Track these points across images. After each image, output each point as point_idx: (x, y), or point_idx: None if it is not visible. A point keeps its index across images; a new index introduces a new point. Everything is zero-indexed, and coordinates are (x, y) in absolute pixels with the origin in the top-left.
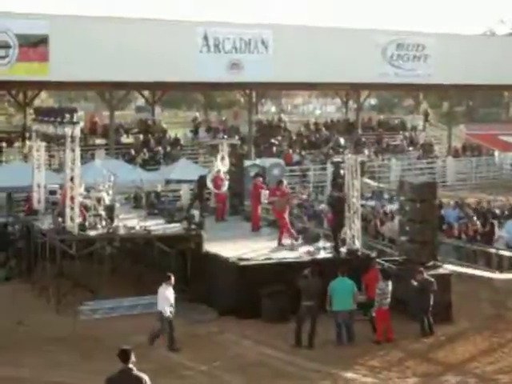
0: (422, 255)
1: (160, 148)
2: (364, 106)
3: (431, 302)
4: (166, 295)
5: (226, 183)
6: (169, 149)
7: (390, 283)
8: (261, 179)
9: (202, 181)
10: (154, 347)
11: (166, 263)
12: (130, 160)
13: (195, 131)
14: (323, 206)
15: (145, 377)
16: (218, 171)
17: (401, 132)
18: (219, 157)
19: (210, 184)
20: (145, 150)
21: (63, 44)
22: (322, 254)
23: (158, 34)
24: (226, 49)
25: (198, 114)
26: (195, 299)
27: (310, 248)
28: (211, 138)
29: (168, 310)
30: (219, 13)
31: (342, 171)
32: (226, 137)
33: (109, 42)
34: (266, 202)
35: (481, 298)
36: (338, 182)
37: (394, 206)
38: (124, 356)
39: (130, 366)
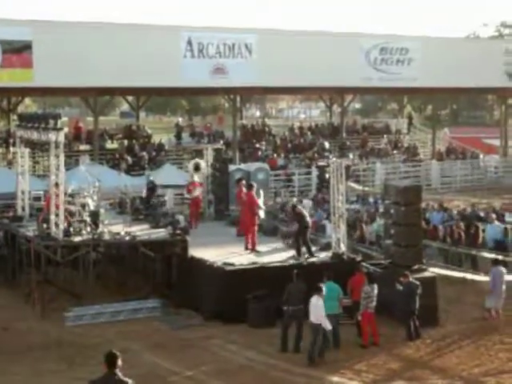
0: (408, 258)
1: (144, 153)
2: (348, 109)
3: (417, 306)
4: (320, 306)
5: (200, 189)
6: (153, 154)
7: (375, 287)
8: (244, 182)
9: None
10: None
11: (150, 269)
12: (115, 165)
13: (178, 136)
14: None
15: (129, 381)
16: (192, 177)
17: (385, 135)
18: (191, 165)
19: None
20: (129, 155)
21: (47, 50)
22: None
23: (141, 39)
24: (209, 53)
25: (180, 119)
26: (181, 304)
27: (295, 252)
28: (196, 143)
29: (327, 322)
30: (203, 18)
31: (326, 175)
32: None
33: (92, 47)
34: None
35: (466, 300)
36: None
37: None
38: (110, 360)
39: (115, 371)
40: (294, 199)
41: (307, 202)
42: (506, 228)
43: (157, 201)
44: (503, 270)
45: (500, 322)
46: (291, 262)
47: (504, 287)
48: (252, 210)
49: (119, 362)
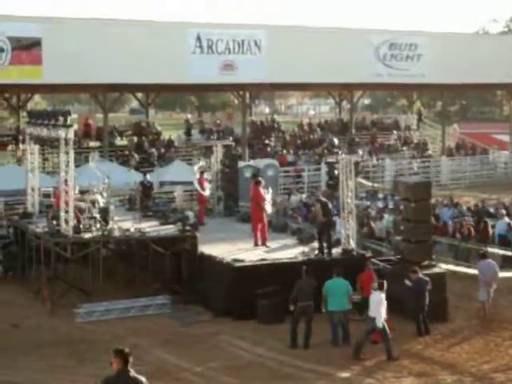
0: (417, 254)
1: (154, 150)
2: (357, 105)
3: (427, 302)
4: (382, 301)
5: (209, 186)
6: (163, 151)
7: (384, 283)
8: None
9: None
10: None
11: (160, 265)
12: (124, 162)
13: (188, 133)
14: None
15: (143, 379)
16: (202, 173)
17: (394, 132)
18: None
19: (196, 185)
20: (138, 152)
21: (56, 47)
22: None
23: (151, 36)
24: (219, 50)
25: (189, 116)
26: (190, 301)
27: (305, 248)
28: (205, 139)
29: (380, 320)
30: (212, 14)
31: (336, 171)
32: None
33: (102, 43)
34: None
35: (476, 296)
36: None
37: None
38: (122, 357)
39: (128, 368)
40: (304, 195)
41: (295, 198)
42: (509, 223)
43: (158, 199)
44: (492, 262)
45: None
46: (300, 258)
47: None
48: (259, 205)
49: (131, 359)
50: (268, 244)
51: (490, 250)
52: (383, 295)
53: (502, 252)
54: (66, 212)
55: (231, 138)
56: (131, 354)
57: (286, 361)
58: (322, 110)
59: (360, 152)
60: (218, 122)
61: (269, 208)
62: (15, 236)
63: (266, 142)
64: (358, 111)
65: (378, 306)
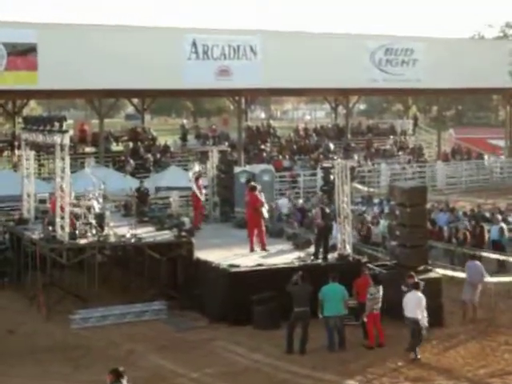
0: (413, 259)
1: (150, 155)
2: (353, 111)
3: None
4: (421, 301)
5: (203, 191)
6: (158, 156)
7: (380, 288)
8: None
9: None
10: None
11: (156, 271)
12: (120, 168)
13: (183, 138)
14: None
15: None
16: (197, 178)
17: (390, 137)
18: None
19: (196, 190)
20: (134, 157)
21: (52, 52)
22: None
23: (146, 42)
24: (214, 55)
25: (185, 121)
26: (186, 306)
27: (301, 253)
28: (201, 144)
29: (424, 319)
30: (207, 19)
31: (331, 176)
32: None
33: (97, 49)
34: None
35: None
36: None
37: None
38: (115, 373)
39: (121, 380)
40: (300, 201)
41: (283, 202)
42: (501, 228)
43: (154, 205)
44: (479, 264)
45: (475, 314)
46: (296, 263)
47: (480, 280)
48: (256, 210)
49: (125, 377)
50: (267, 248)
51: (485, 254)
52: (421, 294)
53: (496, 257)
54: (62, 218)
55: (227, 144)
56: (125, 373)
57: (282, 366)
58: (317, 115)
59: (356, 157)
60: (213, 127)
61: (265, 212)
62: (11, 242)
63: (262, 147)
64: (353, 116)
65: (416, 306)
